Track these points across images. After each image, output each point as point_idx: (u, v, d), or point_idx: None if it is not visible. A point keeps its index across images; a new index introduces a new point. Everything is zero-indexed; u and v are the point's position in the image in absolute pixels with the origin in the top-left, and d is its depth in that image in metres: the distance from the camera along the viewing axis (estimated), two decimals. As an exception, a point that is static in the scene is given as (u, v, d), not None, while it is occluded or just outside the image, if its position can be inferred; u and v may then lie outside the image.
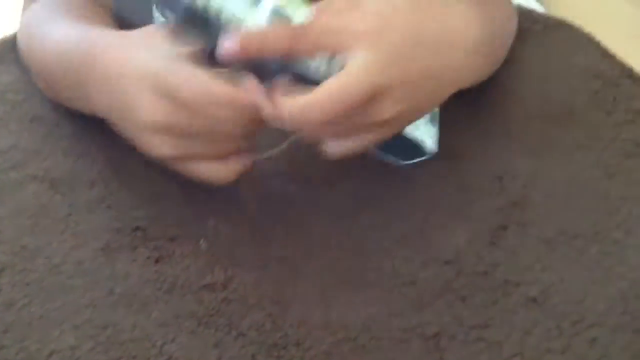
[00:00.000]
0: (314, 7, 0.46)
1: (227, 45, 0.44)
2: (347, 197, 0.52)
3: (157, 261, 0.47)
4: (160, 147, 0.47)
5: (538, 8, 1.57)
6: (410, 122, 0.48)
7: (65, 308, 0.43)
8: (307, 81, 0.45)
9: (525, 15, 0.66)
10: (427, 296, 0.45)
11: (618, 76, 0.61)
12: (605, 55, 0.64)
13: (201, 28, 0.46)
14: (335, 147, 0.46)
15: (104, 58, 0.50)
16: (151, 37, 0.49)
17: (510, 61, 0.61)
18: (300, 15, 0.46)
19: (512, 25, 0.62)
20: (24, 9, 0.66)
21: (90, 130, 0.56)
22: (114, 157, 0.54)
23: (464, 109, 0.57)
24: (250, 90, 0.44)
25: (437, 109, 0.51)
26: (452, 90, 0.48)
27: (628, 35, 1.11)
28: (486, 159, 0.53)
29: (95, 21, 0.59)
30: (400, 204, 0.51)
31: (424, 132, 0.50)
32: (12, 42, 0.66)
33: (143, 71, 0.46)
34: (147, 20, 0.55)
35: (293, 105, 0.43)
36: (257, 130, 0.47)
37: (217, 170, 0.48)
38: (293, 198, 0.51)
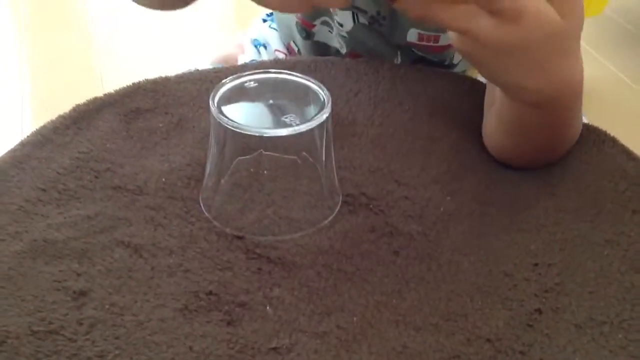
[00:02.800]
0: None
1: None
2: (395, 276, 0.57)
3: (229, 324, 0.53)
4: None
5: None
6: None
7: (152, 361, 0.49)
8: None
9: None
10: (470, 370, 0.50)
11: (642, 177, 0.67)
12: (631, 157, 0.70)
13: None
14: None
15: None
16: None
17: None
18: None
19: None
20: None
21: (166, 201, 0.63)
22: (188, 228, 0.61)
23: (503, 203, 0.64)
24: None
25: None
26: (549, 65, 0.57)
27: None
28: (523, 248, 0.59)
29: None
30: (445, 286, 0.56)
31: None
32: (85, 110, 0.73)
33: None
34: None
35: None
36: None
37: None
38: (349, 274, 0.57)
